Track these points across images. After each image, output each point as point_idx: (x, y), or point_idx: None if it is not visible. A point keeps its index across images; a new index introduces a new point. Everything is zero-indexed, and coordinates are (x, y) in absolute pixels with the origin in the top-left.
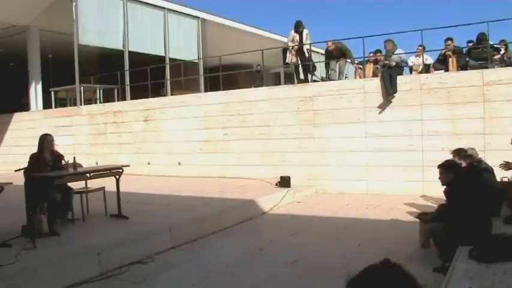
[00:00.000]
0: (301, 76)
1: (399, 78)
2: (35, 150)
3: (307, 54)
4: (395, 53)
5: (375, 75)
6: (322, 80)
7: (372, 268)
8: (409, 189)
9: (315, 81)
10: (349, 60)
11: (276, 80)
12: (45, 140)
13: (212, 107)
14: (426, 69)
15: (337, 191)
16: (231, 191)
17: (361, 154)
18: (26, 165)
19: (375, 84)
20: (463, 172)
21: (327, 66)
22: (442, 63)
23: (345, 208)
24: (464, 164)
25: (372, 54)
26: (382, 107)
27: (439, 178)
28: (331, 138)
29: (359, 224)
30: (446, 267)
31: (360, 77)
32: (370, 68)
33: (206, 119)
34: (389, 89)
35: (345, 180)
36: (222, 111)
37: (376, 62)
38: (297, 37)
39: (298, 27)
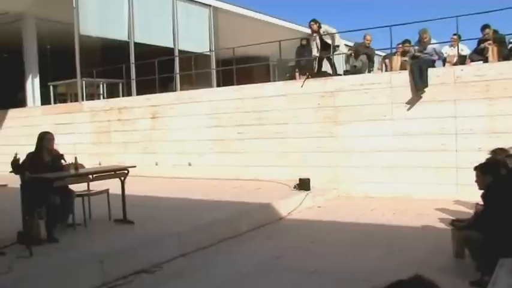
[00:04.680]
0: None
1: (430, 71)
2: (32, 150)
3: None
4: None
5: (403, 68)
6: (345, 73)
7: (401, 284)
8: (441, 193)
9: (337, 74)
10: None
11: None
12: (45, 139)
13: (225, 103)
14: (462, 60)
15: (361, 195)
16: (246, 194)
17: (387, 154)
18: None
19: (403, 78)
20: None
21: (348, 61)
22: (480, 53)
23: (369, 213)
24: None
25: (400, 46)
26: (411, 102)
27: (476, 181)
28: (355, 137)
29: (385, 230)
30: (485, 281)
31: (384, 70)
32: (397, 60)
33: (218, 116)
34: (419, 83)
35: (369, 182)
36: (236, 107)
37: (404, 53)
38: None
39: (312, 27)
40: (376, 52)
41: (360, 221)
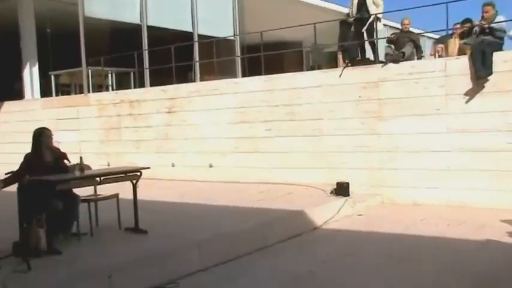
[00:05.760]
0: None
1: (495, 56)
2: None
3: (377, 26)
4: (495, 21)
5: (461, 52)
6: (388, 58)
7: None
8: (508, 202)
9: (381, 62)
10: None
11: (331, 62)
12: (43, 135)
13: (251, 95)
14: None
15: (409, 202)
16: (275, 199)
17: (441, 155)
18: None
19: (461, 65)
20: None
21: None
22: None
23: (419, 223)
24: None
25: (458, 26)
26: (471, 94)
27: None
28: (402, 135)
29: (438, 244)
30: None
31: (438, 56)
32: (455, 43)
33: (244, 110)
34: (481, 70)
35: (419, 188)
36: (264, 100)
37: (463, 36)
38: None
39: None
40: (429, 35)
41: (407, 232)
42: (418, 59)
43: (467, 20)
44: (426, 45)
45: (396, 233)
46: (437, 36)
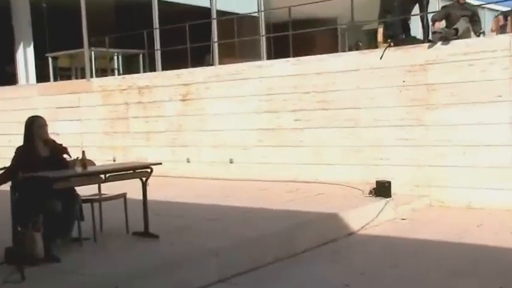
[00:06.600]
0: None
1: None
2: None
3: None
4: None
5: None
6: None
7: None
8: None
9: (429, 41)
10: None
11: (370, 41)
12: (35, 125)
13: (278, 80)
14: None
15: (462, 205)
16: (304, 200)
17: (502, 150)
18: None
19: None
20: None
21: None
22: None
23: (475, 230)
24: None
25: None
26: None
27: None
28: (454, 126)
29: (499, 255)
30: None
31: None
32: None
33: (269, 98)
34: None
35: (475, 188)
36: (292, 86)
37: None
38: None
39: None
40: (490, 6)
41: (460, 241)
42: (477, 36)
43: None
44: (487, 19)
45: (447, 241)
46: (503, 9)
